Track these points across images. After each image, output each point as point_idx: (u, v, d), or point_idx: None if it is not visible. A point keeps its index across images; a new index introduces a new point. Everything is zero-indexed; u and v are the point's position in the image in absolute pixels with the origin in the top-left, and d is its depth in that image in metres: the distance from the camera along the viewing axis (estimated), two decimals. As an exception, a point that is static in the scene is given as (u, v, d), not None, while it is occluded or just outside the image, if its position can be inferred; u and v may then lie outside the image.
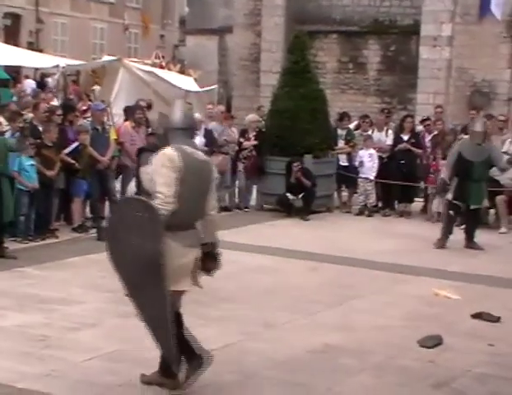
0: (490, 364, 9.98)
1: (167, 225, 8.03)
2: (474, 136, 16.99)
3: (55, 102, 23.83)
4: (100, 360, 9.55)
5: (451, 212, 17.03)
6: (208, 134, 20.95)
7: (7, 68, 25.03)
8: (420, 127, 23.13)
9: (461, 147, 17.10)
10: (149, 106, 22.79)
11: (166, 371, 8.47)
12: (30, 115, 18.45)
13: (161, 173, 8.14)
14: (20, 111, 18.05)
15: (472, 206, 16.84)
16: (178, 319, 8.60)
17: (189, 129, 8.67)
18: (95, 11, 56.79)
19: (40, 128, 17.36)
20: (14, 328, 10.45)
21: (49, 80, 32.69)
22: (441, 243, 16.93)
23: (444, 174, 17.51)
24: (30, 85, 31.07)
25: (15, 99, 21.13)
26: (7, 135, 16.13)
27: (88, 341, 10.22)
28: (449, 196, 17.39)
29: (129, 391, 8.63)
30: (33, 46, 45.31)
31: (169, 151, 8.23)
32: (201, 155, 8.52)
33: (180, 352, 8.43)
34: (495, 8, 31.40)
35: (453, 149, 17.61)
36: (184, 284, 8.55)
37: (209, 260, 8.95)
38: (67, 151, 17.34)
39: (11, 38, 45.41)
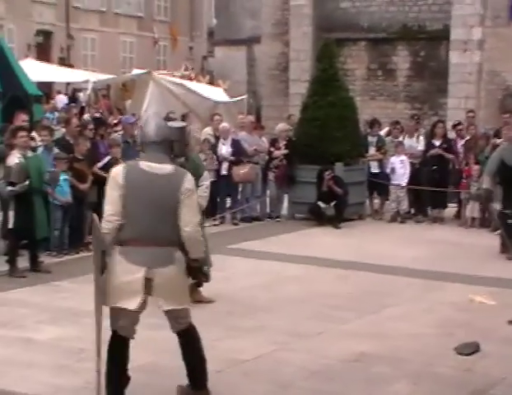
0: (528, 370, 9.83)
1: (118, 240, 8.04)
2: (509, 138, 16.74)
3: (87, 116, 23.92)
4: (134, 372, 9.40)
5: (509, 222, 16.40)
6: (236, 144, 21.03)
7: (40, 84, 25.05)
8: (452, 133, 22.94)
9: (502, 154, 16.63)
10: (184, 117, 22.74)
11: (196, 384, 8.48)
12: (63, 130, 18.46)
13: (106, 192, 8.20)
14: (52, 127, 18.05)
15: None
16: (119, 345, 8.46)
17: (160, 142, 8.29)
18: (124, 25, 56.99)
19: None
20: (49, 341, 10.44)
21: (81, 94, 32.80)
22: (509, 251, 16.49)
23: (486, 183, 16.87)
24: (62, 100, 31.17)
25: (47, 115, 21.13)
26: (40, 150, 16.13)
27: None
28: (497, 206, 17.05)
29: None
30: (64, 62, 45.48)
31: (114, 170, 8.27)
32: (161, 170, 8.12)
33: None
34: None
35: (493, 156, 17.18)
36: (127, 303, 8.07)
37: (196, 275, 8.95)
38: (100, 165, 17.35)
39: (43, 54, 45.71)
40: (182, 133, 12.54)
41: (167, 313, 8.36)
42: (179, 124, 14.06)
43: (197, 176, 11.93)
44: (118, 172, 8.15)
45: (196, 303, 11.72)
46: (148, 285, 8.01)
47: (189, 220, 8.01)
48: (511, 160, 16.18)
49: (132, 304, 8.05)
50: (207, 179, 12.39)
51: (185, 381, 9.02)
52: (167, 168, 8.18)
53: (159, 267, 8.03)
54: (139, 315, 8.33)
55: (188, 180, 8.19)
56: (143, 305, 8.17)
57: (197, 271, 8.65)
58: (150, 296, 8.11)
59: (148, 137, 8.33)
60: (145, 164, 8.11)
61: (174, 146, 12.39)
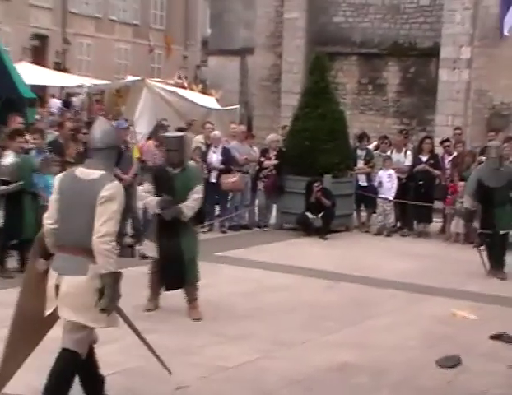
0: (508, 386, 9.89)
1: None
2: (491, 161, 16.82)
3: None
4: (121, 375, 9.55)
5: (486, 241, 16.74)
6: (226, 153, 21.03)
7: (34, 88, 25.08)
8: (439, 149, 23.01)
9: (479, 174, 16.83)
10: (190, 125, 22.86)
11: None
12: (56, 133, 18.48)
13: None
14: (44, 130, 18.06)
15: (501, 232, 16.50)
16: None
17: (104, 148, 8.04)
18: (119, 32, 57.12)
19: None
20: (49, 342, 10.39)
21: (74, 99, 32.86)
22: (493, 273, 16.54)
23: (466, 202, 17.20)
24: (55, 104, 31.22)
25: (37, 118, 21.17)
26: (33, 152, 16.13)
27: (110, 356, 10.15)
28: (477, 225, 17.37)
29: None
30: (59, 66, 45.54)
31: (58, 175, 8.33)
32: (88, 176, 7.83)
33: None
34: (506, 27, 31.66)
35: (471, 177, 17.38)
36: (47, 306, 7.91)
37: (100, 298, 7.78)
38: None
39: (39, 58, 45.78)
40: (180, 143, 12.58)
41: (65, 323, 7.97)
42: (177, 134, 14.12)
43: (187, 188, 11.98)
44: (57, 178, 8.19)
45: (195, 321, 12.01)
46: (57, 291, 7.76)
47: (98, 229, 7.54)
48: (488, 180, 16.31)
49: (48, 310, 7.92)
50: (197, 193, 12.25)
51: (170, 385, 9.11)
52: (95, 173, 7.86)
53: (68, 274, 7.73)
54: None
55: (108, 187, 7.67)
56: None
57: (101, 294, 7.69)
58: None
59: (93, 143, 8.20)
60: (79, 171, 7.97)
61: (172, 155, 12.48)
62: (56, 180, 8.14)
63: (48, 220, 7.97)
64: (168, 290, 12.48)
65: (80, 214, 7.69)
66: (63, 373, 7.92)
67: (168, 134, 14.17)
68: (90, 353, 8.20)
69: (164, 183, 12.35)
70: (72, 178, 7.93)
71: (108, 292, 7.58)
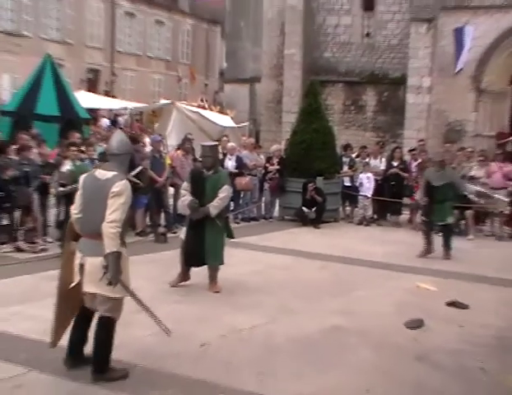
0: (459, 341, 9.89)
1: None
2: (435, 165, 16.84)
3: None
4: (156, 335, 9.40)
5: (424, 228, 16.81)
6: (239, 160, 21.01)
7: (89, 110, 25.06)
8: (407, 156, 22.98)
9: (428, 175, 16.84)
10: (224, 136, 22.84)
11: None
12: (105, 146, 18.41)
13: None
14: (94, 144, 18.01)
15: (439, 222, 16.45)
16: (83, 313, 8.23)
17: (119, 154, 8.10)
18: (155, 66, 57.09)
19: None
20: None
21: (120, 118, 32.81)
22: (424, 254, 16.39)
23: (418, 196, 17.43)
24: (105, 123, 31.19)
25: (91, 133, 21.15)
26: (87, 161, 16.13)
27: (147, 320, 10.08)
28: (420, 214, 17.57)
29: (177, 362, 8.49)
30: (108, 93, 45.54)
31: (82, 175, 8.29)
32: (104, 176, 7.86)
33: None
34: (461, 64, 31.93)
35: (424, 177, 17.39)
36: (73, 279, 7.95)
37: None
38: (133, 173, 17.32)
39: (93, 87, 45.83)
40: (213, 151, 12.53)
41: (90, 295, 7.95)
42: (211, 143, 14.03)
43: (216, 188, 11.89)
44: (82, 177, 8.22)
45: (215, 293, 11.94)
46: (81, 269, 7.83)
47: (107, 216, 7.55)
48: (433, 180, 16.32)
49: (73, 284, 7.96)
50: (223, 192, 12.06)
51: (196, 344, 9.05)
52: (109, 174, 7.88)
53: (89, 256, 7.79)
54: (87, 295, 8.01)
55: (117, 185, 7.67)
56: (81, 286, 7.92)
57: (105, 270, 7.63)
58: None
59: (110, 150, 8.24)
60: (98, 172, 8.00)
61: (206, 160, 12.38)
62: (81, 179, 8.18)
63: (74, 210, 8.06)
64: (187, 265, 12.41)
65: (97, 206, 7.70)
66: (104, 335, 7.95)
67: (204, 143, 14.08)
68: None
69: (198, 183, 12.27)
70: (93, 178, 7.97)
71: (111, 268, 7.50)
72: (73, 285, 7.90)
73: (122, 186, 7.68)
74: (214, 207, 11.90)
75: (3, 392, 7.38)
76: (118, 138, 8.33)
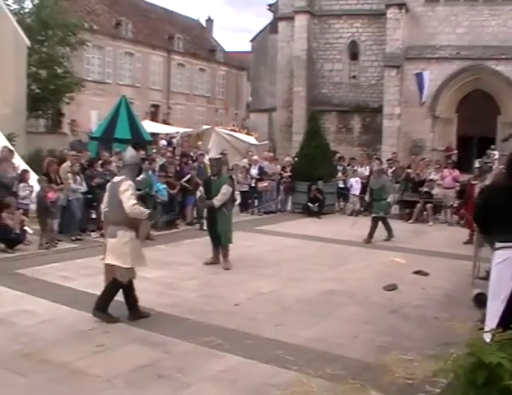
0: (422, 299, 9.90)
1: None
2: (374, 173, 16.73)
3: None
4: (201, 297, 9.56)
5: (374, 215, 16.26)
6: (261, 168, 21.06)
7: (151, 134, 25.09)
8: (385, 165, 22.92)
9: (370, 181, 16.79)
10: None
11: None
12: (164, 159, 18.48)
13: None
14: (156, 158, 18.07)
15: (375, 215, 16.02)
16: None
17: (128, 165, 8.42)
18: (199, 101, 57.27)
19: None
20: (154, 278, 10.43)
21: (174, 140, 32.79)
22: (368, 240, 15.68)
23: (366, 197, 17.14)
24: (163, 143, 31.16)
25: (153, 151, 21.16)
26: (150, 172, 16.16)
27: (194, 286, 10.16)
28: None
29: (216, 316, 8.50)
30: (165, 122, 45.56)
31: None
32: (116, 180, 8.31)
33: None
34: (424, 98, 32.16)
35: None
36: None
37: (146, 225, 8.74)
38: (184, 180, 17.41)
39: (154, 117, 45.91)
40: (217, 161, 12.61)
41: (108, 265, 8.28)
42: (216, 156, 14.14)
43: (219, 188, 11.88)
44: (108, 183, 8.69)
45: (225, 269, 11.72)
46: (105, 248, 8.33)
47: (126, 205, 7.88)
48: (372, 184, 16.26)
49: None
50: (224, 190, 11.86)
51: (230, 303, 9.08)
52: (118, 178, 8.28)
53: (109, 237, 8.23)
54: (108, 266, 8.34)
55: (123, 185, 8.02)
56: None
57: (148, 221, 8.44)
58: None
59: (124, 161, 8.61)
60: (115, 177, 8.52)
61: (213, 168, 12.37)
62: (107, 185, 8.64)
63: (103, 205, 8.65)
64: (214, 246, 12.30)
65: (113, 202, 8.16)
66: (110, 289, 8.24)
67: (211, 156, 14.19)
68: (131, 283, 8.34)
69: (207, 185, 12.32)
70: (111, 182, 8.42)
71: (142, 230, 8.26)
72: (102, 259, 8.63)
73: (126, 185, 8.02)
74: (217, 201, 11.80)
75: (98, 336, 7.48)
76: (129, 154, 8.64)
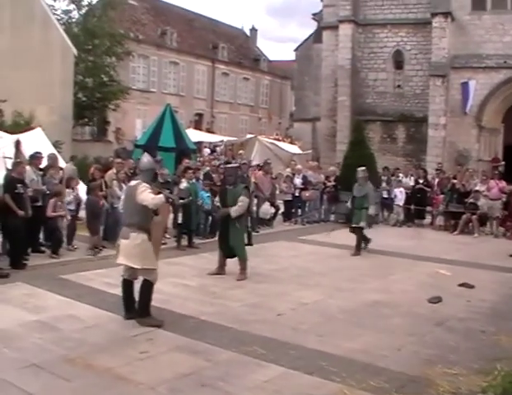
0: (467, 312, 9.77)
1: None
2: (359, 179, 15.82)
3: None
4: (244, 306, 9.56)
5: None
6: (304, 178, 20.92)
7: (196, 142, 25.26)
8: (430, 176, 22.76)
9: (354, 188, 15.90)
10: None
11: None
12: (207, 168, 18.56)
13: None
14: (199, 167, 18.16)
15: (354, 225, 15.25)
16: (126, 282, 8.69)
17: (145, 170, 8.60)
18: (242, 110, 57.48)
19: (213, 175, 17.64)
20: (198, 286, 10.53)
21: (217, 148, 32.99)
22: (356, 253, 15.03)
23: (349, 203, 16.10)
24: (207, 151, 31.39)
25: (199, 160, 21.25)
26: (194, 180, 16.21)
27: (237, 295, 10.16)
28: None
29: (259, 326, 8.48)
30: (209, 130, 45.90)
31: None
32: (132, 184, 8.58)
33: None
34: (468, 108, 31.89)
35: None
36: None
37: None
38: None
39: (198, 126, 46.28)
40: (233, 171, 12.41)
41: (130, 267, 8.38)
42: (232, 166, 14.06)
43: (235, 197, 11.68)
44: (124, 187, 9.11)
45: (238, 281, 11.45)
46: (118, 248, 8.51)
47: (147, 202, 8.05)
48: (355, 191, 15.63)
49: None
50: (241, 201, 11.63)
51: (274, 313, 9.04)
52: (134, 182, 8.47)
53: (122, 238, 8.41)
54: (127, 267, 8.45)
55: (140, 187, 8.20)
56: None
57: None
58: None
59: (140, 167, 8.84)
60: (132, 181, 8.74)
61: (228, 178, 12.20)
62: (124, 189, 9.02)
63: (120, 207, 9.26)
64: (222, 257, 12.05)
65: (128, 205, 8.52)
66: (142, 291, 8.41)
67: (226, 166, 14.05)
68: (131, 284, 8.63)
69: (223, 194, 12.14)
70: (128, 186, 8.89)
71: (155, 232, 8.52)
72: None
73: (143, 187, 8.21)
74: (234, 211, 11.56)
75: (142, 343, 7.52)
76: (145, 160, 8.83)
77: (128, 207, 8.56)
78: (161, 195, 8.34)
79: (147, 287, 8.34)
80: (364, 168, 16.20)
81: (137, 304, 8.50)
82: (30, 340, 7.52)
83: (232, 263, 11.95)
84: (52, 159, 14.96)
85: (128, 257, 8.25)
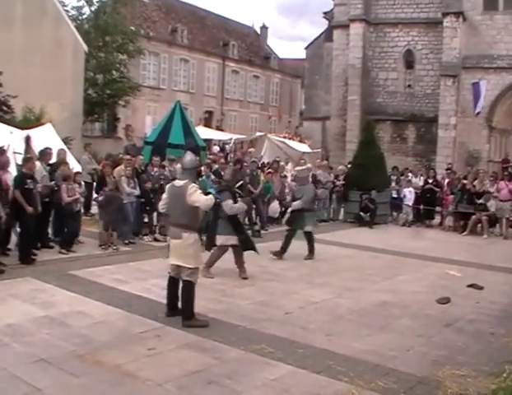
0: (476, 313, 9.74)
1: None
2: (297, 179, 15.26)
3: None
4: (253, 304, 9.55)
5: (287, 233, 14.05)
6: (314, 177, 20.69)
7: (205, 140, 25.25)
8: (439, 176, 22.70)
9: (295, 190, 15.12)
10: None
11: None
12: (216, 166, 18.54)
13: None
14: (210, 164, 18.11)
15: (300, 230, 13.81)
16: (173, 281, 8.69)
17: (189, 169, 8.61)
18: (252, 108, 57.38)
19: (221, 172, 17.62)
20: (208, 284, 10.43)
21: (227, 146, 32.98)
22: (278, 254, 13.67)
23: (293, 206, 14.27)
24: (216, 149, 31.36)
25: (211, 157, 21.25)
26: (204, 177, 16.19)
27: (247, 293, 10.16)
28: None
29: (267, 324, 8.48)
30: (219, 128, 45.87)
31: (168, 185, 9.13)
32: (179, 184, 8.42)
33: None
34: (479, 108, 31.79)
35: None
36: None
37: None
38: (236, 186, 17.34)
39: (208, 123, 46.24)
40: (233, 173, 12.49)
41: (177, 266, 8.41)
42: (234, 167, 14.05)
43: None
44: (167, 186, 8.90)
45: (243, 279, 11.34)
46: (169, 248, 8.51)
47: (200, 203, 8.18)
48: (296, 193, 14.55)
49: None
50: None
51: (282, 311, 9.03)
52: (181, 183, 8.39)
53: (173, 239, 8.39)
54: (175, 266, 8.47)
55: (190, 187, 8.22)
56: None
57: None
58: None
59: (183, 165, 8.77)
60: (176, 181, 8.64)
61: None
62: (166, 187, 8.91)
63: (161, 207, 8.96)
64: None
65: (177, 204, 8.36)
66: (186, 293, 8.34)
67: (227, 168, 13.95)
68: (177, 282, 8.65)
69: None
70: (172, 186, 8.65)
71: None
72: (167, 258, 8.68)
73: (193, 188, 8.25)
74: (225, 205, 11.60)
75: (150, 340, 7.52)
76: (188, 158, 8.78)
77: (176, 208, 8.45)
78: (211, 195, 8.47)
79: (191, 288, 8.33)
80: (303, 167, 15.64)
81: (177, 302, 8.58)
82: (39, 335, 7.54)
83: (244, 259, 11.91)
84: (61, 154, 14.98)
85: (182, 258, 8.30)
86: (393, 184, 21.93)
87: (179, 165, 15.70)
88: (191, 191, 8.21)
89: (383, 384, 6.43)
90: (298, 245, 13.80)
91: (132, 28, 35.35)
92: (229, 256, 11.70)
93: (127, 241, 14.39)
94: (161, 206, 8.90)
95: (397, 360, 7.28)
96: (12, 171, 12.60)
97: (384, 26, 35.47)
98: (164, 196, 8.82)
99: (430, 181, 21.48)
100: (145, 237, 15.16)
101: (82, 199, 14.37)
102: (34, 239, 12.43)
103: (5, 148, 13.30)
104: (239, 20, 66.41)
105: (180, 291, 8.44)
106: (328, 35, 41.27)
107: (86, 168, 17.28)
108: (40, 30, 24.83)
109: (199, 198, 8.21)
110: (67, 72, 26.02)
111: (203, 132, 28.88)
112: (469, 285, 11.60)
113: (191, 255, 8.30)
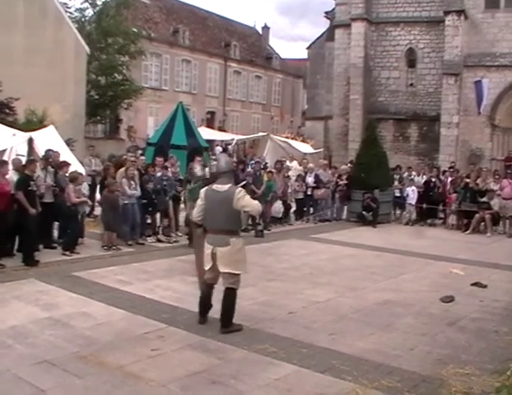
0: (480, 312, 9.71)
1: (205, 228, 8.30)
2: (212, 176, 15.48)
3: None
4: (256, 304, 9.52)
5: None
6: (316, 176, 20.82)
7: (207, 140, 25.25)
8: (442, 175, 22.67)
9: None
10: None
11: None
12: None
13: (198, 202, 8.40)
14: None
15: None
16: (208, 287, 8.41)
17: (227, 172, 8.33)
18: (254, 108, 57.37)
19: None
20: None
21: (229, 146, 32.98)
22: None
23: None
24: (218, 150, 31.36)
25: (213, 157, 21.22)
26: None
27: (250, 293, 10.12)
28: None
29: (271, 324, 8.47)
30: (221, 128, 45.87)
31: (201, 191, 8.43)
32: (222, 189, 8.04)
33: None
34: (482, 107, 31.85)
35: None
36: (206, 265, 8.17)
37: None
38: (239, 185, 17.31)
39: (210, 124, 46.30)
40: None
41: (223, 274, 8.05)
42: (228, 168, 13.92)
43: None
44: (202, 192, 8.34)
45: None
46: (214, 256, 7.95)
47: (249, 208, 7.95)
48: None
49: (206, 267, 8.12)
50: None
51: (285, 311, 9.01)
52: (225, 187, 8.05)
53: (219, 246, 7.92)
54: (214, 274, 8.15)
55: (238, 191, 7.96)
56: (213, 268, 8.04)
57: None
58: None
59: (220, 169, 8.36)
60: (215, 186, 8.15)
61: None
62: (201, 193, 8.34)
63: (196, 215, 8.35)
64: None
65: (220, 211, 7.94)
66: (230, 301, 8.06)
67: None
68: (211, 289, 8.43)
69: None
70: (212, 191, 8.15)
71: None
72: (207, 267, 8.12)
73: (241, 191, 8.01)
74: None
75: (153, 341, 7.51)
76: (224, 160, 8.59)
77: (219, 214, 7.99)
78: (257, 201, 8.34)
79: (235, 296, 8.15)
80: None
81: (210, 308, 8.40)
82: (43, 337, 7.54)
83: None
84: (53, 157, 14.75)
85: (232, 264, 7.99)
86: (396, 183, 21.93)
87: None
88: (239, 195, 7.93)
89: (387, 383, 6.41)
90: (298, 244, 13.83)
91: (134, 29, 35.36)
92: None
93: (130, 242, 14.37)
94: (197, 214, 8.36)
95: (400, 358, 7.27)
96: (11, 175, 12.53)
97: (386, 25, 35.51)
98: (199, 202, 8.32)
99: (433, 180, 21.51)
100: (148, 238, 15.16)
101: (90, 202, 14.39)
102: (36, 240, 12.41)
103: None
104: (241, 21, 66.42)
105: (222, 298, 8.13)
106: (329, 35, 41.24)
107: (86, 170, 17.27)
108: (42, 32, 24.85)
109: (250, 203, 7.98)
110: (69, 74, 26.04)
111: (206, 133, 28.84)
112: (473, 284, 11.57)
113: (242, 260, 8.11)
